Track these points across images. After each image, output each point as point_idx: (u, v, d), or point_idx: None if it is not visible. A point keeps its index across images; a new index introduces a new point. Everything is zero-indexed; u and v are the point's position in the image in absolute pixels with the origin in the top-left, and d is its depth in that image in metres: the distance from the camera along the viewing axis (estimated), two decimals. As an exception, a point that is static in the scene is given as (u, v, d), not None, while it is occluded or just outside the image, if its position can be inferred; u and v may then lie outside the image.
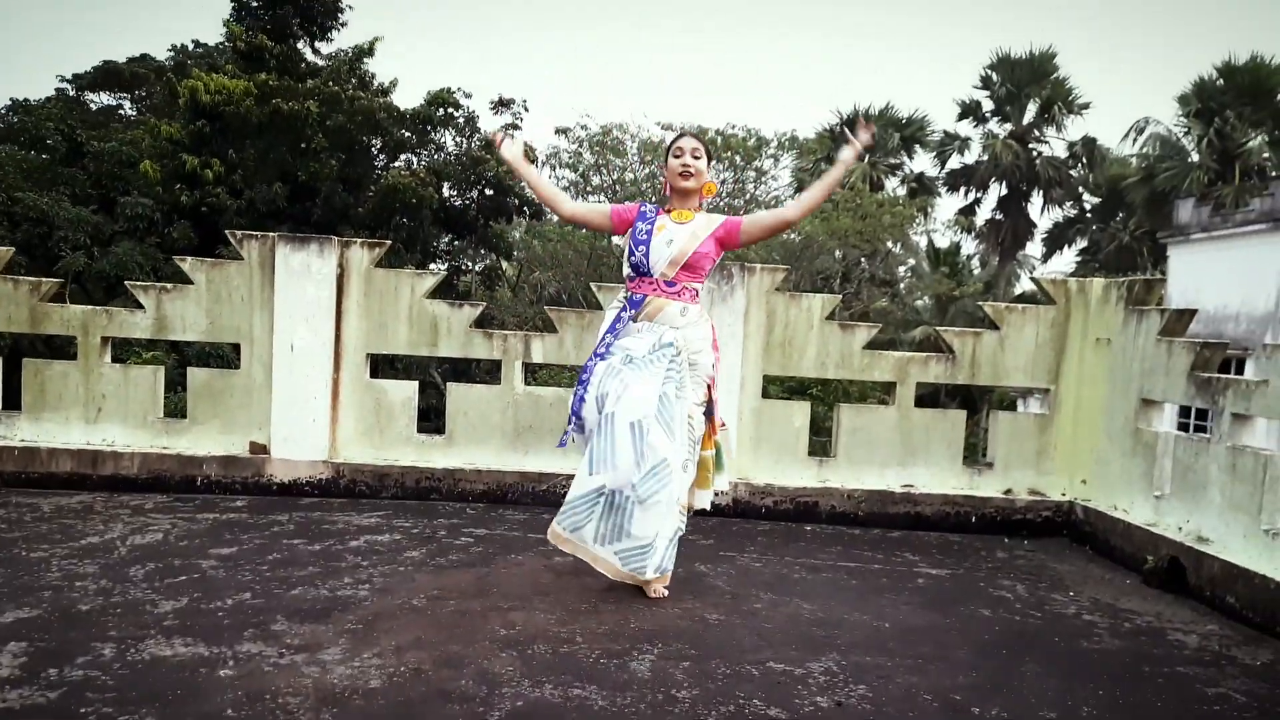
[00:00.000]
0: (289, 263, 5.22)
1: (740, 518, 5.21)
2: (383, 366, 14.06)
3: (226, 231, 5.62)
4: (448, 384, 5.56)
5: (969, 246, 30.83)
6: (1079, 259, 31.25)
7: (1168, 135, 26.98)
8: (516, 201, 17.99)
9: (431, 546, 4.28)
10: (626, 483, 3.43)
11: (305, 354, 5.23)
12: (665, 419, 3.52)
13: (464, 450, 5.39)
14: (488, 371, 12.97)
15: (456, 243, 19.50)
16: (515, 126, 18.67)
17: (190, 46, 22.22)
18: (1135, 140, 27.60)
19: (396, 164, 18.28)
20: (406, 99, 20.77)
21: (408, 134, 17.87)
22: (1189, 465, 4.44)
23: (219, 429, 5.34)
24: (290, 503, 5.06)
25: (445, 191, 17.91)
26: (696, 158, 3.77)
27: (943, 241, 26.84)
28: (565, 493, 5.11)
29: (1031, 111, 30.53)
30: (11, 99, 20.09)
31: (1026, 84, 29.82)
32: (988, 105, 30.93)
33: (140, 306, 5.31)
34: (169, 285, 5.37)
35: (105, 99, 22.52)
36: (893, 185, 29.56)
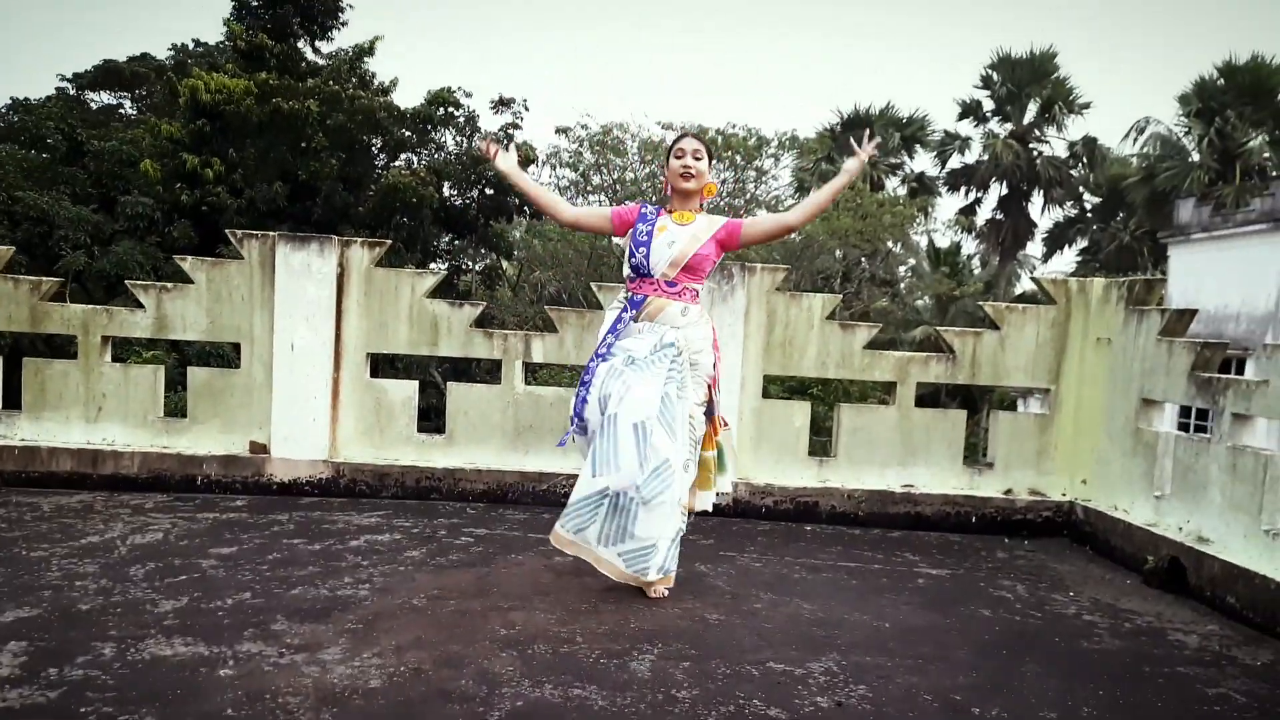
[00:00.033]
0: (289, 262, 5.22)
1: (740, 518, 5.21)
2: (383, 366, 14.07)
3: (227, 231, 5.62)
4: (448, 383, 5.56)
5: (969, 246, 30.86)
6: (1079, 259, 31.24)
7: (1168, 135, 26.98)
8: (517, 201, 17.97)
9: (432, 546, 4.28)
10: (631, 484, 3.44)
11: (305, 353, 5.23)
12: (667, 419, 3.53)
13: (464, 450, 5.39)
14: (488, 371, 12.97)
15: (457, 242, 19.49)
16: (516, 126, 18.66)
17: (191, 46, 22.21)
18: (1136, 140, 27.62)
19: (397, 163, 18.27)
20: (407, 98, 20.79)
21: (408, 133, 17.86)
22: (1189, 465, 4.44)
23: (219, 428, 5.34)
24: (290, 502, 5.06)
25: (445, 191, 17.90)
26: (698, 159, 3.77)
27: (943, 241, 26.86)
28: (566, 493, 5.10)
29: (1032, 111, 30.53)
30: (12, 98, 20.10)
31: (1027, 84, 29.81)
32: (988, 105, 30.93)
33: (140, 306, 5.31)
34: (169, 284, 5.37)
35: (106, 98, 22.51)
36: (893, 185, 29.55)
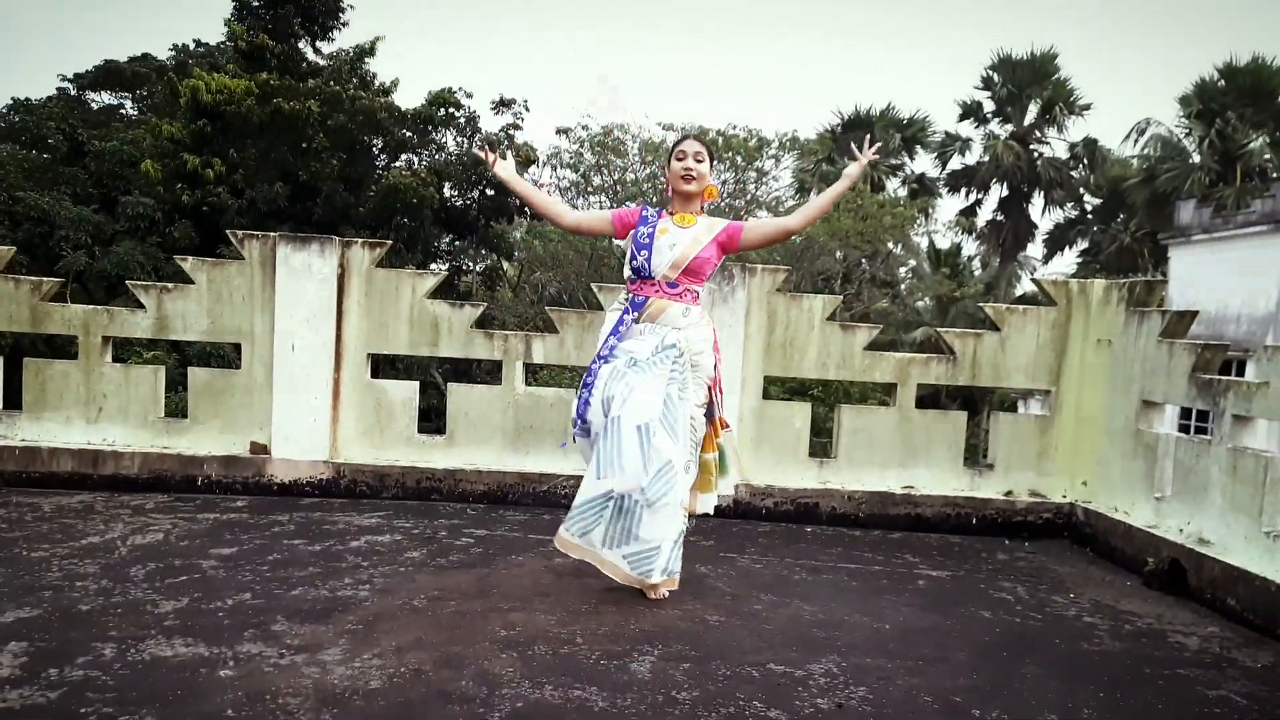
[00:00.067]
0: (290, 262, 5.22)
1: (741, 519, 5.21)
2: (383, 366, 14.05)
3: (228, 231, 5.62)
4: (448, 384, 5.56)
5: (970, 247, 30.83)
6: (1080, 260, 31.23)
7: (1169, 136, 26.96)
8: (517, 202, 17.96)
9: (432, 547, 4.28)
10: (636, 486, 3.44)
11: (306, 354, 5.23)
12: (669, 421, 3.54)
13: (464, 451, 5.39)
14: (489, 372, 12.96)
15: (457, 243, 19.49)
16: (516, 127, 18.66)
17: (192, 46, 22.21)
18: (1136, 141, 27.59)
19: (397, 164, 18.27)
20: (407, 99, 20.77)
21: (409, 134, 17.87)
22: (1190, 467, 4.44)
23: (220, 429, 5.34)
24: (291, 503, 5.06)
25: (446, 191, 17.90)
26: (699, 161, 3.78)
27: (944, 242, 26.81)
28: (566, 494, 5.11)
29: (1032, 112, 30.50)
30: (13, 98, 20.12)
31: (1028, 85, 29.78)
32: (989, 106, 30.90)
33: (141, 306, 5.31)
34: (170, 285, 5.37)
35: (106, 98, 22.52)
36: (894, 186, 29.51)
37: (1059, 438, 5.37)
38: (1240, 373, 15.24)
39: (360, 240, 5.37)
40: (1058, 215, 32.20)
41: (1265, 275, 16.65)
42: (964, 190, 31.80)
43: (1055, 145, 31.24)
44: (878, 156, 4.19)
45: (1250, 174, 24.91)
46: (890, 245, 22.13)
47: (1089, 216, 31.55)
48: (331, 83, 16.71)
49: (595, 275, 16.54)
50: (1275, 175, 24.00)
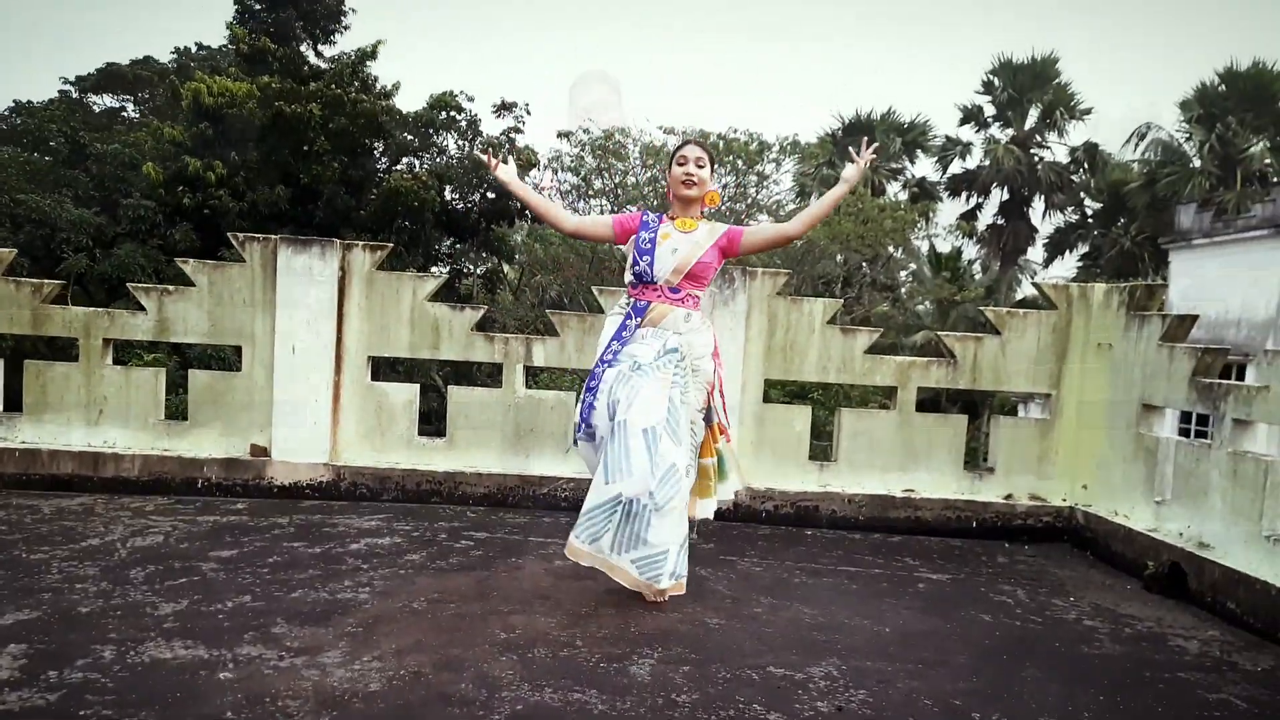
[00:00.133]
0: (291, 265, 5.23)
1: (741, 522, 5.21)
2: (384, 369, 14.04)
3: (228, 234, 5.63)
4: (449, 387, 5.56)
5: (970, 251, 30.79)
6: (1080, 264, 31.21)
7: (1169, 141, 26.98)
8: (518, 205, 17.97)
9: (432, 550, 4.28)
10: (644, 490, 3.44)
11: (306, 356, 5.23)
12: (672, 424, 3.55)
13: (465, 453, 5.39)
14: (489, 375, 12.93)
15: (458, 246, 19.49)
16: (517, 130, 18.67)
17: (193, 49, 22.28)
18: (1137, 145, 27.62)
19: (399, 167, 18.28)
20: (408, 100, 20.83)
21: (410, 137, 17.88)
22: (1190, 471, 4.43)
23: (220, 431, 5.34)
24: (291, 505, 5.06)
25: (447, 195, 17.90)
26: (700, 166, 3.79)
27: (944, 246, 26.78)
28: (566, 496, 5.11)
29: (1033, 116, 30.52)
30: (14, 101, 20.16)
31: (1028, 89, 29.81)
32: (989, 110, 30.92)
33: (142, 308, 5.31)
34: (171, 287, 5.38)
35: (108, 101, 22.58)
36: (894, 190, 29.53)
37: (1059, 441, 5.36)
38: (1240, 377, 15.24)
39: (361, 243, 5.38)
40: (1058, 219, 32.21)
41: (1265, 279, 16.65)
42: (965, 194, 31.80)
43: (1056, 149, 31.29)
44: (875, 159, 4.21)
45: (1251, 178, 24.92)
46: (891, 249, 22.13)
47: (1089, 220, 31.55)
48: (333, 86, 16.72)
49: (596, 278, 16.54)
50: (1276, 180, 23.98)
